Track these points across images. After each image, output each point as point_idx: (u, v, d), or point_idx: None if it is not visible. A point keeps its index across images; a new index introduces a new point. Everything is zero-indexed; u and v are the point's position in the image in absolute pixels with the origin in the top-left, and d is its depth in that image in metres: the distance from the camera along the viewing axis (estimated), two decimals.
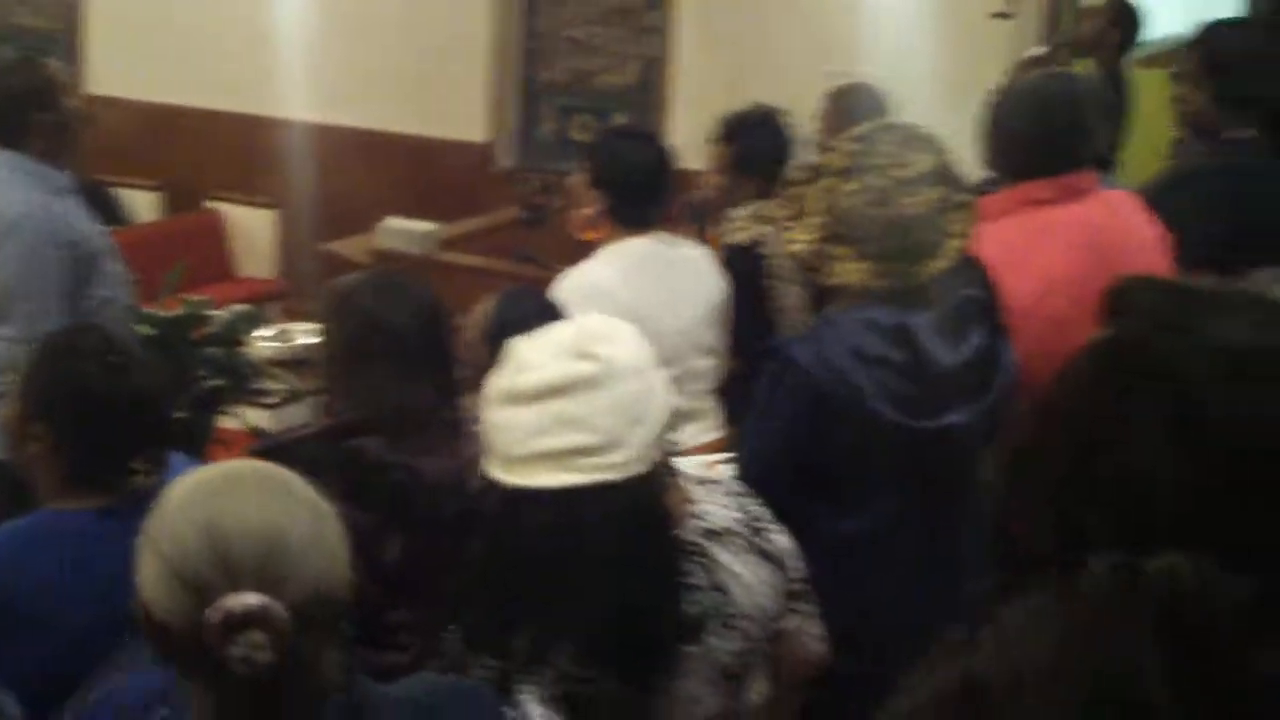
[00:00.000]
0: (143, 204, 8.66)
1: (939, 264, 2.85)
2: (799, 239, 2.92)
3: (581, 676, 2.13)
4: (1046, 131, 3.62)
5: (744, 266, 4.64)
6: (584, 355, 2.19)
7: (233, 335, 5.76)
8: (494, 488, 2.21)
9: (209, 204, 8.75)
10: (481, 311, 3.60)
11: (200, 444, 5.46)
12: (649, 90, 8.06)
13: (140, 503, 2.78)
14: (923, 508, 2.85)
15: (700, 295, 4.28)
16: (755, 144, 5.06)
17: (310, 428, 3.02)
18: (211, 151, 8.82)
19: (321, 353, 3.12)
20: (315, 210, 8.77)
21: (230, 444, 6.07)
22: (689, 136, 7.77)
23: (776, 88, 7.43)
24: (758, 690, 2.44)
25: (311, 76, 8.79)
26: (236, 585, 1.72)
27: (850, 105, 5.64)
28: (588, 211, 4.19)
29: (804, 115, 5.62)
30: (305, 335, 7.51)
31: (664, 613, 2.23)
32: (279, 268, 8.73)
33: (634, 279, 4.06)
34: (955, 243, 2.87)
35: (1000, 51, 6.62)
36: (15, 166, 4.29)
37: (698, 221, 5.98)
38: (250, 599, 1.70)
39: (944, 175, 2.87)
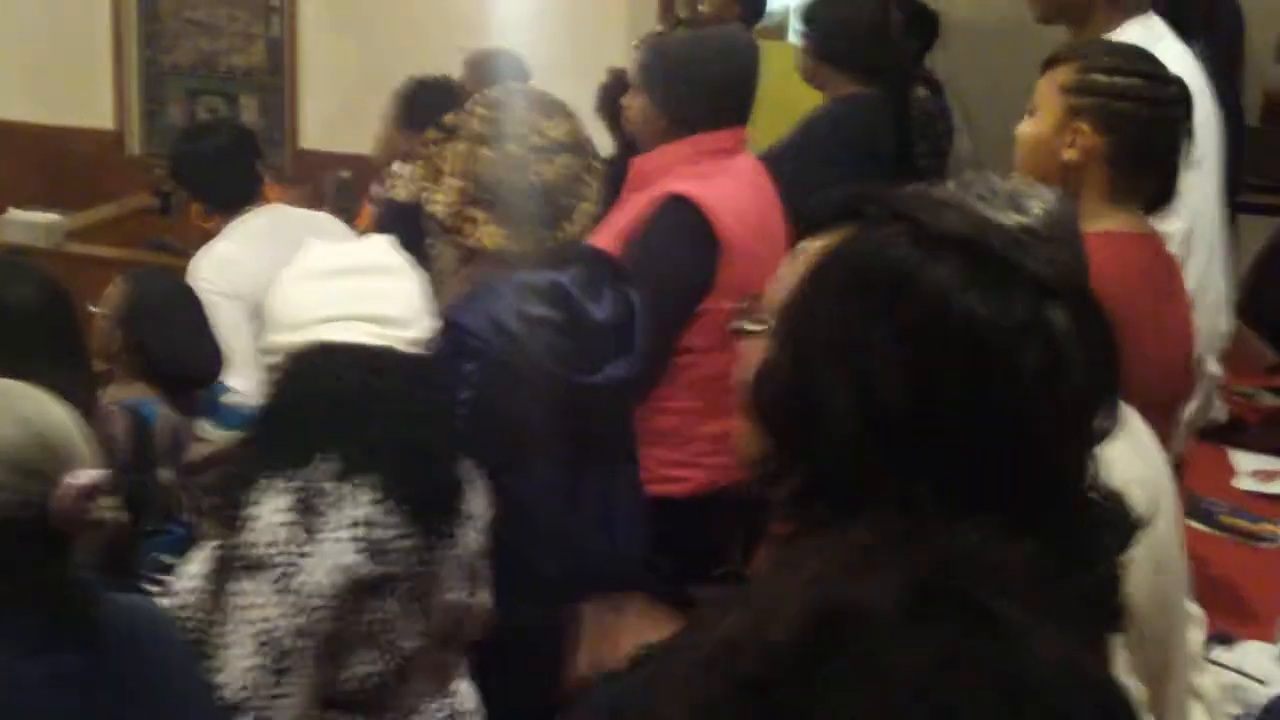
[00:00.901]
0: None
1: (574, 229, 2.97)
2: (438, 200, 3.00)
3: (379, 520, 2.32)
4: (736, 81, 3.81)
5: (405, 225, 4.69)
6: (382, 250, 2.59)
7: None
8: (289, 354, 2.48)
9: None
10: (113, 295, 3.57)
11: None
12: (278, 72, 7.98)
13: None
14: (593, 464, 2.96)
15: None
16: (424, 99, 5.11)
17: None
18: None
19: None
20: None
21: None
22: (320, 117, 7.77)
23: (408, 67, 7.47)
24: (483, 598, 2.65)
25: None
26: (67, 467, 1.95)
27: (489, 70, 5.72)
28: (195, 212, 4.37)
29: None
30: None
31: (447, 465, 2.50)
32: None
33: (259, 248, 4.11)
34: (587, 207, 3.00)
35: (621, 27, 6.77)
36: None
37: (342, 198, 6.04)
38: (91, 473, 1.97)
39: (577, 143, 2.99)
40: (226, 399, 3.69)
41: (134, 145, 8.33)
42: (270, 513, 2.27)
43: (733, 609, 0.94)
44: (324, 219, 4.65)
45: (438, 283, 4.72)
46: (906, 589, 0.89)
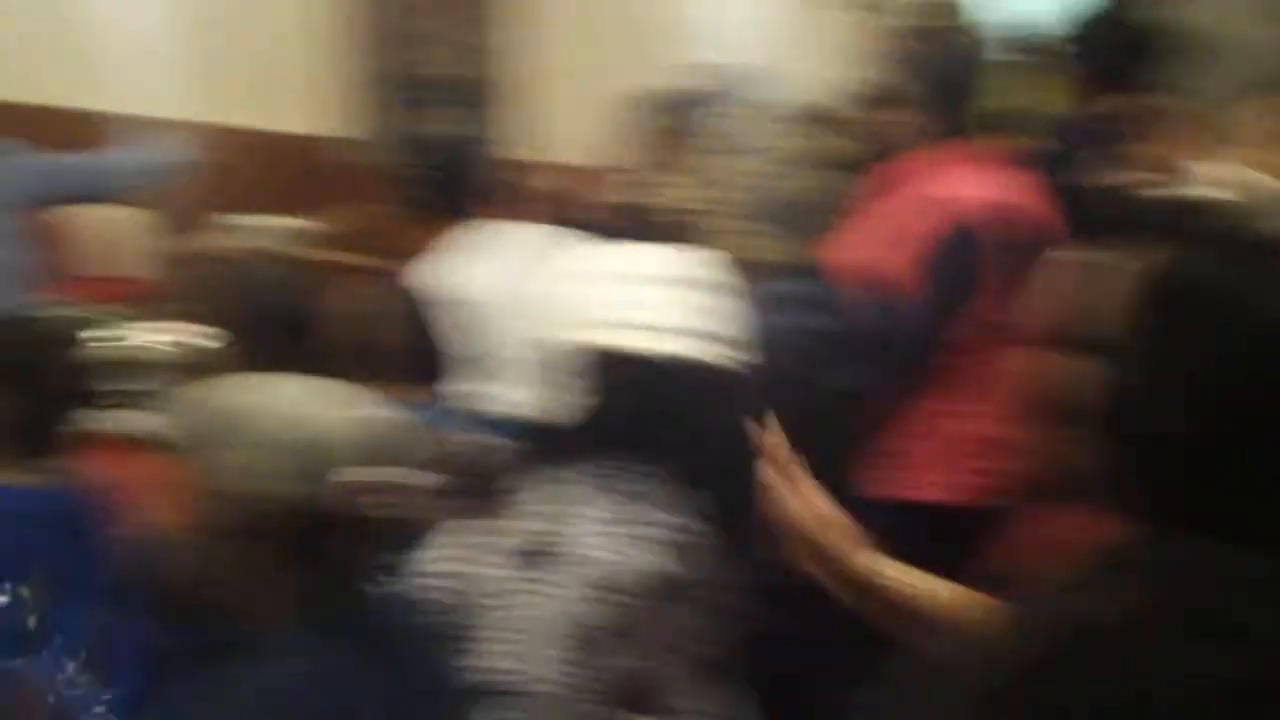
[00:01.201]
0: None
1: (816, 239, 3.01)
2: (686, 209, 3.06)
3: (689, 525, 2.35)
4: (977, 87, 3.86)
5: (644, 232, 4.75)
6: (697, 265, 2.56)
7: (82, 334, 5.71)
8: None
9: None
10: (348, 299, 3.69)
11: (51, 441, 5.43)
12: (509, 82, 8.10)
13: None
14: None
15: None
16: (670, 109, 5.18)
17: None
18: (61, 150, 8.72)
19: None
20: (173, 208, 8.69)
21: (108, 448, 6.03)
22: (549, 127, 7.87)
23: (637, 78, 7.53)
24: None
25: (158, 74, 8.71)
26: (345, 463, 2.02)
27: (733, 83, 5.76)
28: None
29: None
30: (171, 335, 7.48)
31: (746, 479, 2.40)
32: (138, 266, 8.66)
33: (488, 258, 4.20)
34: (830, 218, 3.05)
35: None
36: None
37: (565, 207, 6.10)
38: (366, 470, 2.02)
39: (824, 156, 3.04)
40: (459, 404, 3.77)
41: (372, 154, 8.51)
42: (584, 509, 2.30)
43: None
44: (554, 230, 4.71)
45: None
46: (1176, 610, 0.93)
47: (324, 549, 2.04)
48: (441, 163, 4.53)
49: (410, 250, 6.93)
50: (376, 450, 2.10)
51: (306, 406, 2.07)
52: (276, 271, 3.30)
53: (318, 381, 2.14)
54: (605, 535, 2.30)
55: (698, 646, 2.41)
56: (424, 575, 2.50)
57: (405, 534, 3.02)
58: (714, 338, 2.50)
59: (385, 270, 6.83)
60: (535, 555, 2.34)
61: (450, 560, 2.48)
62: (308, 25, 8.40)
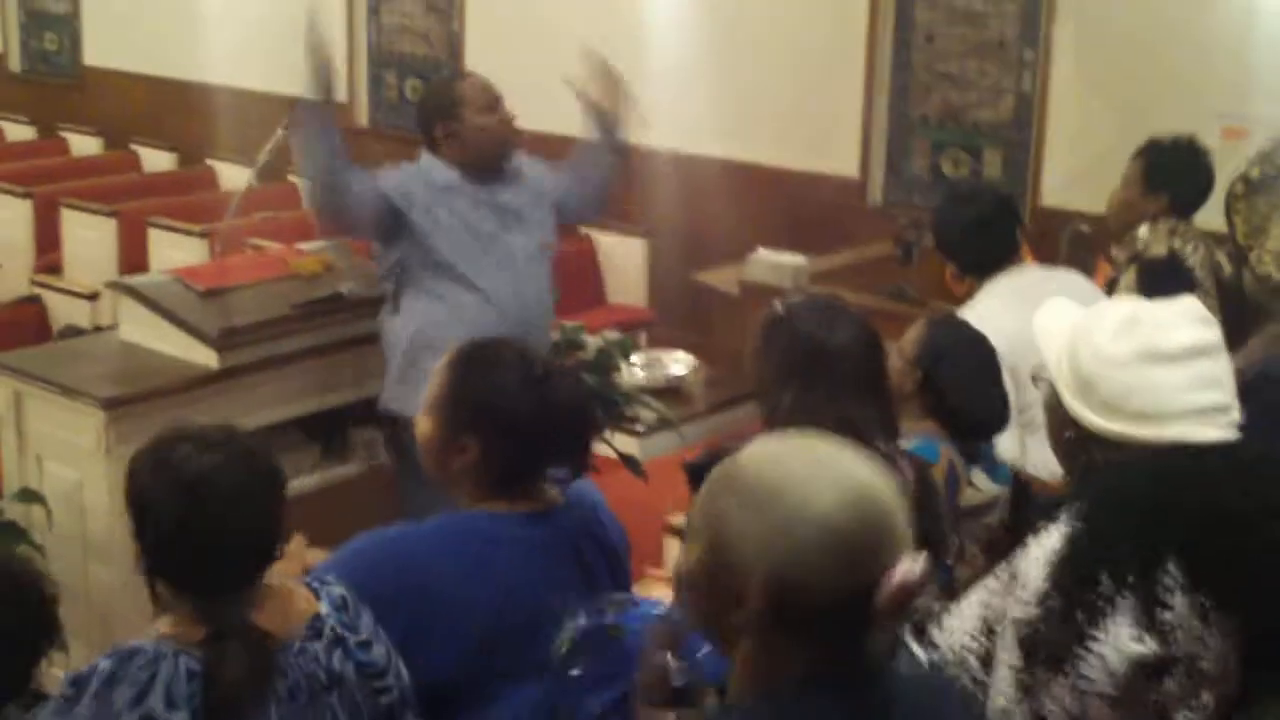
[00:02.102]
0: None
1: None
2: (1270, 256, 2.89)
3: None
4: None
5: (1166, 281, 4.57)
6: (1207, 322, 2.41)
7: (606, 362, 5.87)
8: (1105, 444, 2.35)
9: (584, 232, 8.94)
10: (910, 340, 3.64)
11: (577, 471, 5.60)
12: (1024, 126, 7.93)
13: (549, 515, 2.90)
14: None
15: None
16: (1167, 161, 5.00)
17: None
18: None
19: (757, 374, 3.11)
20: (685, 240, 8.90)
21: (602, 470, 6.20)
22: (1063, 174, 7.66)
23: (1156, 127, 7.23)
24: None
25: (686, 108, 8.93)
26: (894, 551, 1.79)
27: None
28: (949, 273, 4.38)
29: None
30: (675, 364, 7.64)
31: None
32: (649, 296, 8.88)
33: (1012, 309, 4.04)
34: None
35: None
36: None
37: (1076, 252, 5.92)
38: (917, 565, 1.79)
39: None
40: (1002, 453, 3.68)
41: (876, 194, 8.49)
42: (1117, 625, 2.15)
43: None
44: (1072, 277, 4.56)
45: None
46: None
47: (856, 639, 1.90)
48: (976, 219, 4.38)
49: (919, 291, 6.85)
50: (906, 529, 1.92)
51: (857, 478, 1.88)
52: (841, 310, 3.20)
53: (848, 447, 1.97)
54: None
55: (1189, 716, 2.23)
56: (949, 642, 2.40)
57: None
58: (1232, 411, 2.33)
59: (904, 313, 6.80)
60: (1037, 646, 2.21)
61: (967, 627, 2.38)
62: (839, 65, 8.45)
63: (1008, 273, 4.30)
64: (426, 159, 4.86)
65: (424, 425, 2.90)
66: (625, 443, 6.57)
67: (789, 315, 3.05)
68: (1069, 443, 2.45)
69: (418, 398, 2.98)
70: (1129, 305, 2.47)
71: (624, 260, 8.89)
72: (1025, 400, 3.75)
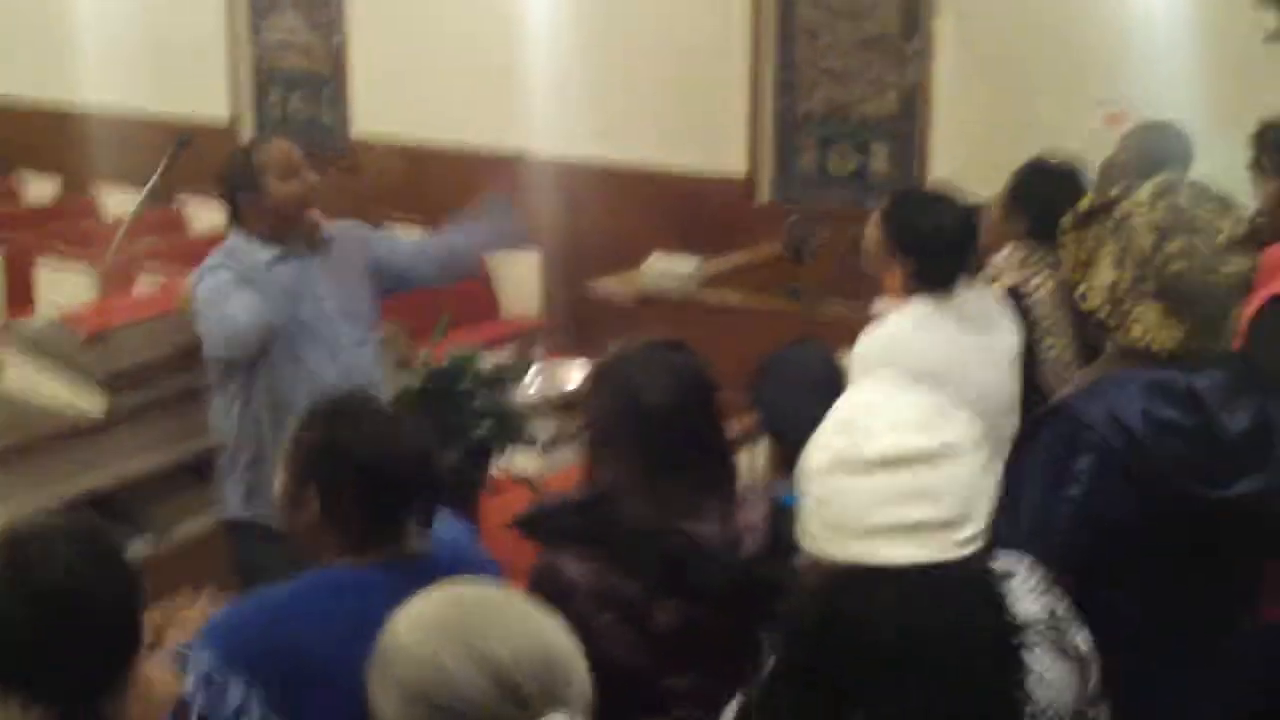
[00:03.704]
0: None
1: (1230, 332, 2.78)
2: (1094, 291, 2.84)
3: None
4: None
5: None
6: (925, 428, 2.11)
7: (500, 383, 5.85)
8: (815, 565, 2.14)
9: None
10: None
11: (473, 494, 5.57)
12: (910, 119, 7.97)
13: (416, 561, 2.89)
14: (1201, 586, 2.74)
15: (1001, 349, 4.13)
16: (1031, 182, 4.84)
17: (573, 497, 3.00)
18: (470, 190, 8.97)
19: (582, 421, 3.09)
20: (577, 248, 8.88)
21: (499, 491, 6.19)
22: (952, 166, 7.70)
23: (1039, 115, 7.32)
24: None
25: (569, 113, 8.92)
26: (532, 712, 1.80)
27: (1153, 147, 5.48)
28: (892, 278, 4.08)
29: (1067, 145, 5.44)
30: (571, 376, 7.62)
31: (1009, 706, 2.07)
32: (543, 306, 8.85)
33: (933, 335, 3.99)
34: (1242, 310, 2.82)
35: (1274, 76, 6.39)
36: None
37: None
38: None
39: (1245, 243, 2.79)
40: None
41: (765, 192, 8.51)
42: None
43: None
44: (995, 309, 4.39)
45: (1050, 375, 4.55)
46: None
47: None
48: (934, 229, 4.16)
49: (810, 291, 6.87)
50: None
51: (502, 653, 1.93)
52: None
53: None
54: None
55: None
56: None
57: None
58: (951, 524, 2.08)
59: (796, 314, 6.82)
60: None
61: None
62: (721, 67, 8.46)
63: (934, 296, 4.13)
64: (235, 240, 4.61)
65: (278, 481, 2.90)
66: (526, 460, 6.56)
67: (614, 371, 3.00)
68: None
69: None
70: (848, 407, 2.22)
71: (516, 272, 8.86)
72: None
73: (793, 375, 3.58)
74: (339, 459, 2.82)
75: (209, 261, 4.49)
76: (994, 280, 4.61)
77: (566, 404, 7.48)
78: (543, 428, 6.44)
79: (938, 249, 4.04)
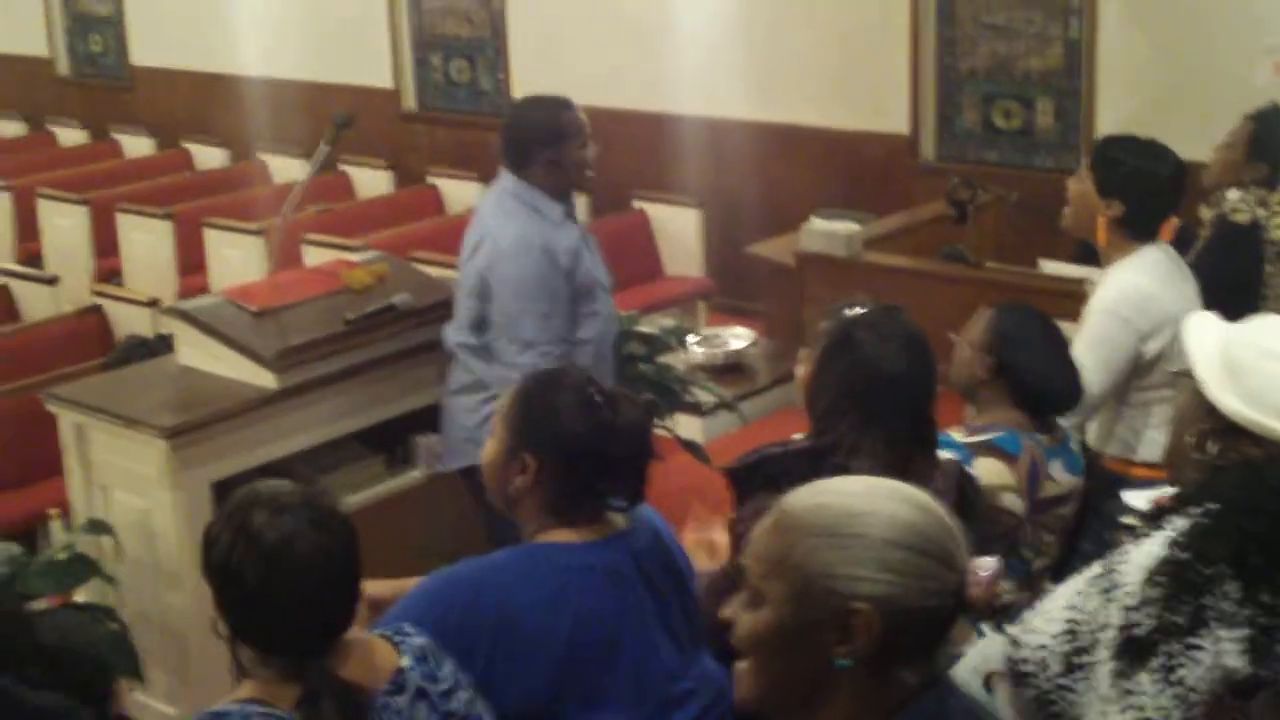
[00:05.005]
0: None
1: None
2: None
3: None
4: None
5: (1241, 248, 4.51)
6: None
7: (662, 348, 5.86)
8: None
9: (637, 205, 8.91)
10: (975, 328, 3.63)
11: None
12: (1074, 73, 7.83)
13: (621, 539, 2.92)
14: None
15: (1196, 300, 4.14)
16: (1277, 131, 4.90)
17: (794, 444, 3.01)
18: (634, 151, 9.00)
19: (812, 390, 3.06)
20: (738, 207, 8.87)
21: (664, 456, 6.18)
22: (1117, 120, 7.56)
23: (1206, 66, 7.15)
24: None
25: (729, 73, 8.89)
26: (963, 546, 1.89)
27: None
28: (1102, 219, 4.09)
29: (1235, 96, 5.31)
30: (734, 340, 7.63)
31: None
32: (705, 266, 8.84)
33: (1169, 287, 4.01)
34: None
35: None
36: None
37: None
38: (990, 559, 1.89)
39: None
40: (1076, 445, 3.67)
41: (928, 150, 8.42)
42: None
43: None
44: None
45: (1271, 310, 4.53)
46: None
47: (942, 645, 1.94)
48: (1151, 177, 4.16)
49: (974, 252, 6.78)
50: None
51: (904, 489, 1.94)
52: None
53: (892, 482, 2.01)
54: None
55: None
56: (1027, 642, 2.39)
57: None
58: None
59: (958, 275, 6.73)
60: (1125, 647, 2.21)
61: (1046, 629, 2.38)
62: (882, 22, 8.37)
63: (1158, 245, 4.15)
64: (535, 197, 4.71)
65: (489, 445, 2.95)
66: (687, 425, 6.57)
67: (851, 338, 3.02)
68: (1201, 436, 2.43)
69: None
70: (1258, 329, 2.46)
71: (678, 231, 8.85)
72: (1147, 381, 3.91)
73: (1034, 338, 3.64)
74: (560, 431, 2.85)
75: (505, 203, 4.66)
76: (1226, 215, 4.64)
77: (729, 368, 7.51)
78: (704, 394, 6.45)
79: (1151, 194, 4.07)
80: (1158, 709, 2.13)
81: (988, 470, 3.34)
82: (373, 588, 3.12)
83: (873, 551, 1.83)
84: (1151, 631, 2.14)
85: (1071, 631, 2.28)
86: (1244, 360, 2.38)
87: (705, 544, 3.33)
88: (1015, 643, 2.29)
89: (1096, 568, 2.31)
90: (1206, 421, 2.40)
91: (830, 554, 1.83)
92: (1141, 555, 2.23)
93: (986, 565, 1.87)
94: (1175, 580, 2.14)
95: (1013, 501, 3.37)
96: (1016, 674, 2.33)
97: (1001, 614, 1.97)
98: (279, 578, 2.41)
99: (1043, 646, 2.31)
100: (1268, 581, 2.11)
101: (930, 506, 1.89)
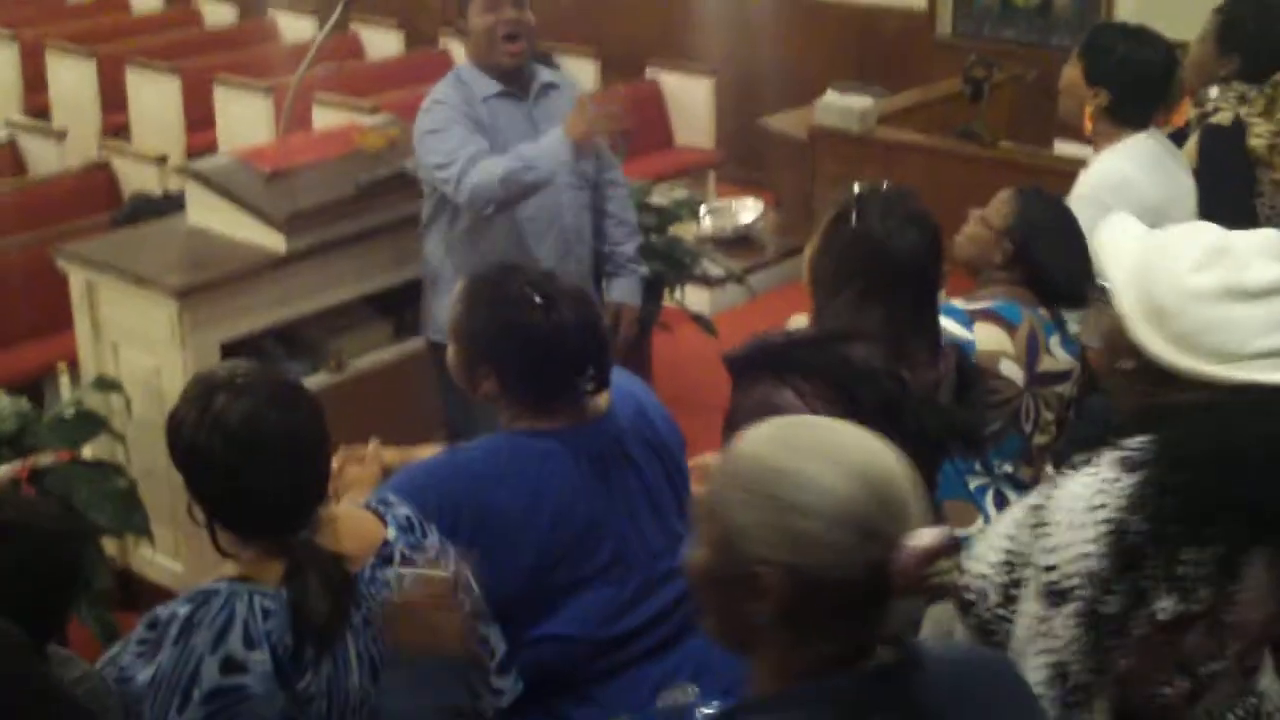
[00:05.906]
0: (583, 73, 8.79)
1: None
2: (1259, 134, 2.80)
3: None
4: None
5: (1227, 149, 4.45)
6: None
7: (673, 221, 5.87)
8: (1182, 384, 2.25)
9: (649, 74, 8.83)
10: (998, 211, 3.59)
11: (645, 329, 5.61)
12: None
13: (598, 423, 2.94)
14: None
15: (1189, 191, 4.11)
16: (1246, 19, 4.75)
17: (799, 334, 2.99)
18: (646, 20, 8.92)
19: (815, 267, 2.98)
20: (752, 78, 8.80)
21: (671, 327, 6.23)
22: (1138, 3, 7.47)
23: None
24: None
25: None
26: (907, 521, 1.77)
27: None
28: (1089, 107, 4.06)
29: None
30: (744, 212, 7.61)
31: None
32: (716, 137, 8.79)
33: (1155, 175, 3.98)
34: None
35: None
36: None
37: None
38: (933, 533, 1.76)
39: None
40: (1074, 329, 3.65)
41: (945, 26, 8.34)
42: (1082, 544, 2.15)
43: None
44: (1179, 153, 4.36)
45: (1264, 208, 4.47)
46: None
47: (870, 617, 1.88)
48: (1139, 63, 4.12)
49: (989, 132, 6.74)
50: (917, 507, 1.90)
51: (858, 454, 1.86)
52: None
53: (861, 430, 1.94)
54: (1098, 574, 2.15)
55: (1213, 666, 2.22)
56: (970, 569, 2.39)
57: None
58: None
59: (971, 154, 6.69)
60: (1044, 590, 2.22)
61: (989, 559, 2.37)
62: None
63: (1150, 134, 4.13)
64: (465, 70, 4.57)
65: (450, 352, 2.98)
66: (696, 298, 6.58)
67: (856, 211, 2.98)
68: (1125, 373, 2.35)
69: None
70: (1215, 234, 2.32)
71: (690, 101, 8.77)
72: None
73: (1058, 230, 3.57)
74: (506, 342, 2.87)
75: (436, 92, 4.49)
76: (1208, 114, 4.56)
77: (738, 239, 7.50)
78: (713, 266, 6.45)
79: (1139, 82, 4.04)
80: (1073, 653, 2.14)
81: (986, 336, 3.33)
82: (385, 455, 3.16)
83: (779, 516, 1.77)
84: (1074, 587, 2.16)
85: (1009, 563, 2.29)
86: (1166, 302, 2.28)
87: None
88: (960, 569, 2.21)
89: (1034, 497, 2.32)
90: (1130, 358, 2.33)
91: (745, 512, 1.79)
92: (1066, 496, 2.23)
93: (926, 537, 1.77)
94: (1113, 545, 2.14)
95: (1011, 369, 3.35)
96: (962, 601, 2.33)
97: (936, 594, 1.90)
98: (246, 457, 2.41)
99: (983, 576, 2.31)
100: (1189, 537, 2.11)
101: (871, 470, 1.80)
